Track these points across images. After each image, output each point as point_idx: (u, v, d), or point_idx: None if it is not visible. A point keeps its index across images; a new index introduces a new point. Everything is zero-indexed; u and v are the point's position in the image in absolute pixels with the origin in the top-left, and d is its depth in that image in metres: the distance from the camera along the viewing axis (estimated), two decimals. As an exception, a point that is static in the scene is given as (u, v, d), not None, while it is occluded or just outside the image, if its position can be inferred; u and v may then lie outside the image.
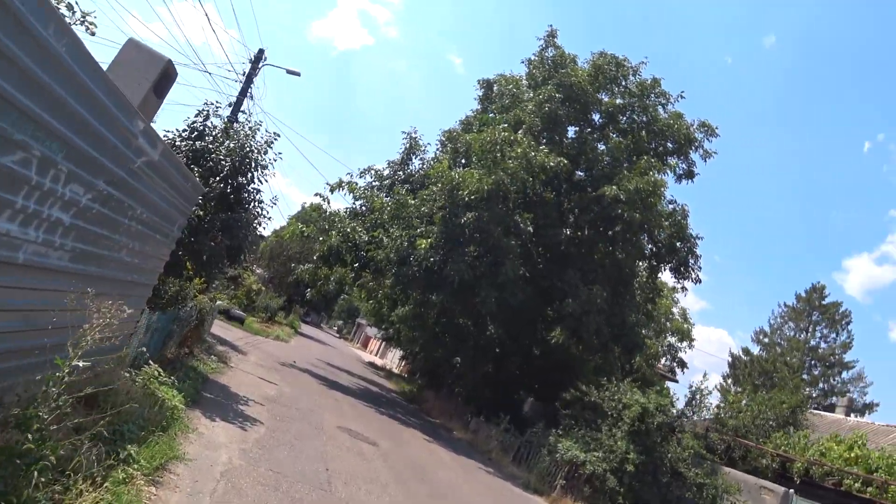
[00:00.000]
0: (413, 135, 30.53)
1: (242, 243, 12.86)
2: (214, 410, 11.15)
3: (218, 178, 12.86)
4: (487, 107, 32.74)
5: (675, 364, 51.83)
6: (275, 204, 14.95)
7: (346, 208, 27.49)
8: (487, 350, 25.88)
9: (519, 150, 22.67)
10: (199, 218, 11.76)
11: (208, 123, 13.71)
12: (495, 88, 32.17)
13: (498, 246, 22.57)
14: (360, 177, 28.52)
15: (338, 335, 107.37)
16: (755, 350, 60.02)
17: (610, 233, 26.69)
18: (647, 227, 26.25)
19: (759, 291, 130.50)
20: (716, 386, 58.76)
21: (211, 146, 13.09)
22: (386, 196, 25.84)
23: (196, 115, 13.76)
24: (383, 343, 77.28)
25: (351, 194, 27.06)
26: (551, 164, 23.43)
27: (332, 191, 27.28)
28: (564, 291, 24.78)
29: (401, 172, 29.75)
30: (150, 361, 9.79)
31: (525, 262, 24.33)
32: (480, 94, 32.97)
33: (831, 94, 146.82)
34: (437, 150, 30.74)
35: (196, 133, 13.49)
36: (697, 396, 24.84)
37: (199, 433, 9.34)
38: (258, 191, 13.54)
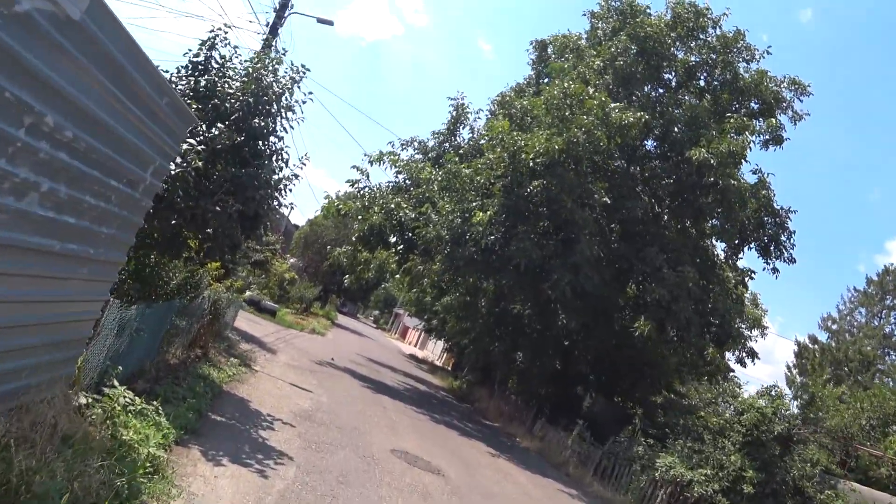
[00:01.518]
0: (461, 101, 26.92)
1: (259, 209, 9.41)
2: (222, 444, 7.76)
3: (226, 123, 9.44)
4: (542, 70, 28.99)
5: (745, 354, 47.57)
6: (304, 164, 11.19)
7: (388, 182, 24.06)
8: (555, 343, 22.25)
9: (595, 103, 18.91)
10: (198, 173, 8.36)
11: (214, 55, 10.28)
12: (550, 50, 28.39)
13: (570, 220, 18.87)
14: (402, 149, 25.05)
15: (374, 325, 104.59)
16: (823, 338, 55.26)
17: (696, 204, 22.79)
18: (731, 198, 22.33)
19: (804, 275, 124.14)
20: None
21: (216, 80, 9.68)
22: (433, 167, 22.30)
23: (200, 46, 10.36)
24: (423, 334, 74.46)
25: (393, 167, 23.62)
26: (629, 120, 19.64)
27: (371, 163, 23.89)
28: (645, 274, 21.01)
29: (447, 144, 26.17)
30: (118, 382, 6.45)
31: (598, 239, 20.61)
32: (534, 56, 29.24)
33: (873, 71, 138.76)
34: (488, 118, 27.13)
35: (199, 68, 10.10)
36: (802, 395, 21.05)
37: (192, 493, 5.95)
38: (280, 138, 10.08)
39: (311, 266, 56.71)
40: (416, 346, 74.35)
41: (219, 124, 9.38)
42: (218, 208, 8.66)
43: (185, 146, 8.18)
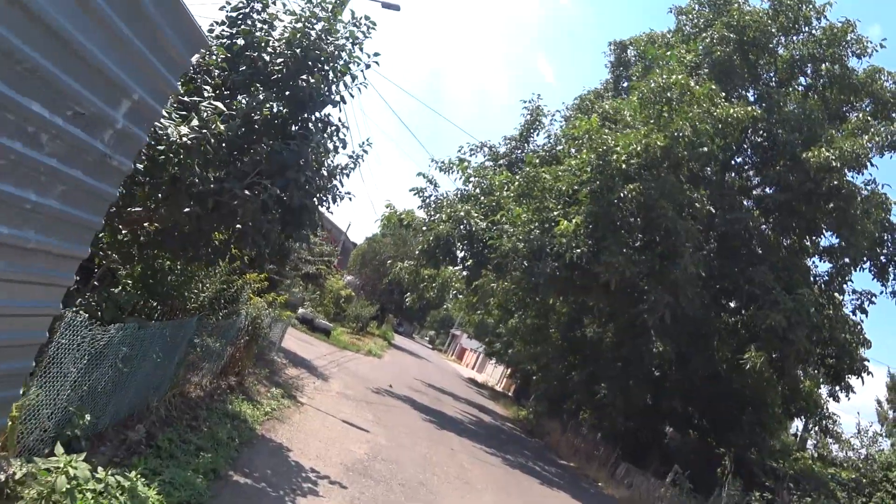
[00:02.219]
0: (536, 103, 24.46)
1: (306, 198, 7.02)
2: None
3: (264, 88, 7.18)
4: (621, 73, 26.34)
5: (839, 388, 43.20)
6: (367, 151, 8.76)
7: (456, 191, 21.70)
8: (645, 373, 19.31)
9: (703, 91, 16.17)
10: (220, 143, 6.07)
11: (256, 5, 8.04)
12: (631, 51, 25.75)
13: (670, 231, 16.06)
14: (472, 154, 22.73)
15: (430, 346, 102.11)
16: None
17: (808, 217, 19.64)
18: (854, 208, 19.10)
19: None
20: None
21: (255, 28, 7.45)
22: (508, 172, 19.82)
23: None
24: (482, 356, 71.57)
25: (461, 175, 21.29)
26: (738, 115, 16.80)
27: (442, 170, 21.62)
28: (753, 296, 17.97)
29: (520, 151, 23.72)
30: (90, 434, 4.16)
31: (702, 255, 17.71)
32: (612, 59, 26.63)
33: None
34: (565, 120, 24.58)
35: (237, 22, 7.86)
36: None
37: None
38: (337, 107, 7.70)
39: (369, 284, 54.81)
40: (473, 368, 71.55)
41: (257, 85, 7.12)
42: (249, 192, 6.33)
43: (204, 104, 5.91)
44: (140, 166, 5.57)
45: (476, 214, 18.74)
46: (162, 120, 5.42)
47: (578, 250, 15.97)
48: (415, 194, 21.27)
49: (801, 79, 22.97)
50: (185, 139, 5.62)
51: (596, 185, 16.77)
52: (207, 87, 6.73)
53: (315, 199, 7.70)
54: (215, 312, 9.53)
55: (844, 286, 22.11)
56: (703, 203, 17.30)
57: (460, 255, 19.34)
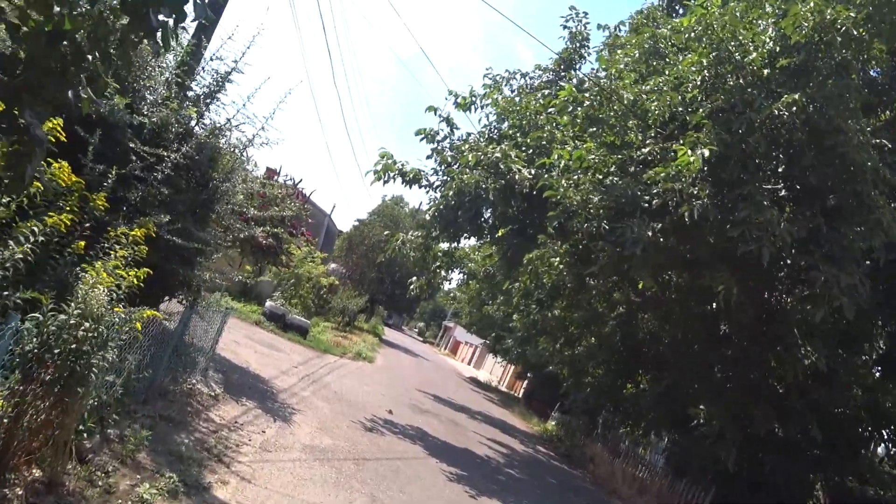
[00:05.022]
0: (579, 24, 17.99)
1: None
2: None
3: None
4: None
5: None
6: None
7: (486, 126, 15.36)
8: (771, 392, 13.12)
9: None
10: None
11: None
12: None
13: (848, 172, 9.92)
14: (505, 85, 16.32)
15: (421, 339, 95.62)
16: None
17: None
18: None
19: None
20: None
21: None
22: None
23: None
24: (478, 350, 65.24)
25: (494, 109, 15.06)
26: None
27: (460, 107, 15.38)
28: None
29: (562, 83, 17.32)
30: None
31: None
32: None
33: None
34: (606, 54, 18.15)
35: None
36: None
37: None
38: None
39: (356, 272, 48.39)
40: (470, 364, 65.49)
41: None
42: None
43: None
44: None
45: (518, 156, 12.41)
46: None
47: (700, 202, 9.74)
48: (422, 139, 14.90)
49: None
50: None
51: (720, 100, 10.56)
52: None
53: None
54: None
55: None
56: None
57: (504, 209, 12.88)
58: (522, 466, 14.87)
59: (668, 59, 12.67)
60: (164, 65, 7.58)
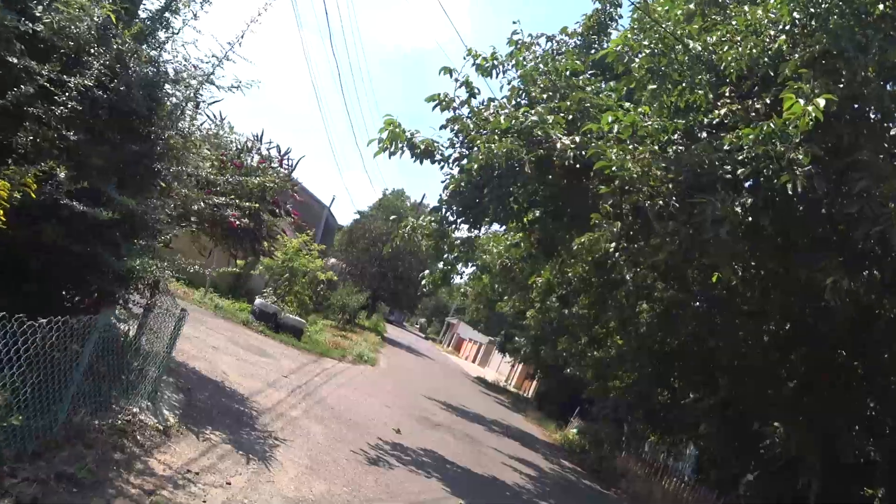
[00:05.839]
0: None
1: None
2: None
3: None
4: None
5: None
6: None
7: (509, 92, 12.91)
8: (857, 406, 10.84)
9: None
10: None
11: None
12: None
13: None
14: (527, 49, 13.88)
15: (423, 336, 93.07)
16: None
17: None
18: None
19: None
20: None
21: None
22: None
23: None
24: (482, 348, 62.81)
25: (517, 72, 12.69)
26: None
27: (481, 71, 13.03)
28: None
29: (597, 46, 14.94)
30: None
31: None
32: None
33: None
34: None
35: None
36: None
37: None
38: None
39: (357, 267, 46.08)
40: (475, 362, 63.19)
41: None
42: None
43: None
44: None
45: (556, 122, 10.05)
46: None
47: (803, 170, 7.41)
48: (435, 106, 12.48)
49: None
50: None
51: (821, 43, 8.20)
52: None
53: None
54: None
55: None
56: None
57: (519, 197, 10.57)
58: (557, 494, 12.53)
59: (729, 10, 10.38)
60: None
